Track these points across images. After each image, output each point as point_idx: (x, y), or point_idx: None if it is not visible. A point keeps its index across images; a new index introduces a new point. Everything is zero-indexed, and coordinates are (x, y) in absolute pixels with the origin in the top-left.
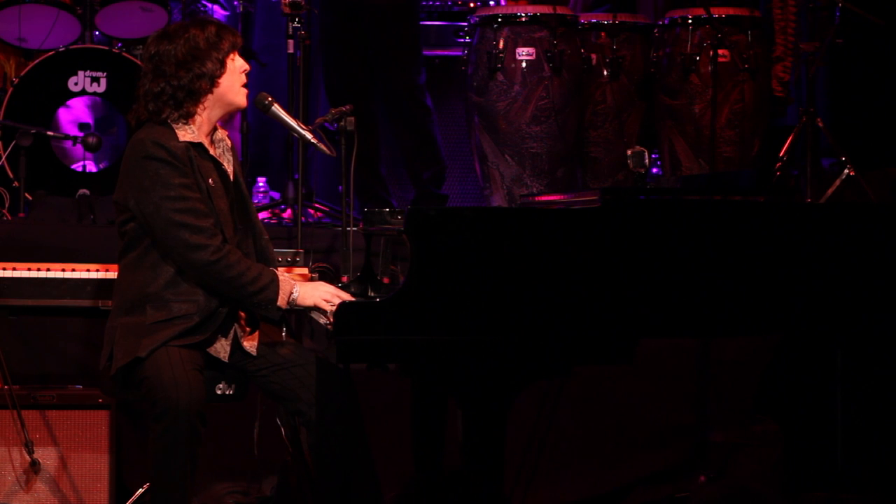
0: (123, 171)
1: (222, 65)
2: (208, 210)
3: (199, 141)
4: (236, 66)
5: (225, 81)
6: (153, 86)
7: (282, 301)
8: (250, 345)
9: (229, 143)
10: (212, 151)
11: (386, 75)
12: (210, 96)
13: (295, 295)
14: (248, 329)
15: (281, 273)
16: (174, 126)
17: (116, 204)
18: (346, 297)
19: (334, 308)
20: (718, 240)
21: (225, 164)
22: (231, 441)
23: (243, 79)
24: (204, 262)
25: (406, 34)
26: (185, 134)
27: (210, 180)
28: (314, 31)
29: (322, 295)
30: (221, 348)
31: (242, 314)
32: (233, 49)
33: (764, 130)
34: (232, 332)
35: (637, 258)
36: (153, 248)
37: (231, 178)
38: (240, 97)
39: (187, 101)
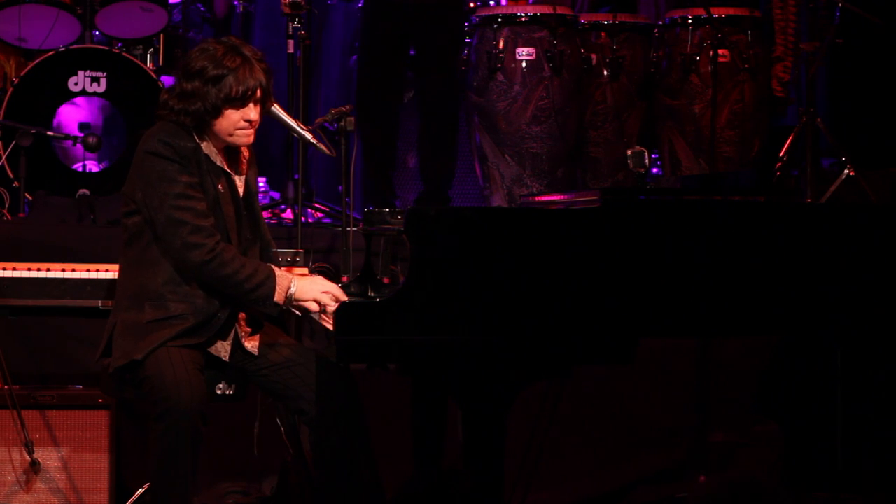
0: (133, 163)
1: (218, 111)
2: (209, 211)
3: (207, 153)
4: (235, 118)
5: (219, 124)
6: (172, 100)
7: (279, 297)
8: (252, 345)
9: (246, 155)
10: (220, 162)
11: (427, 75)
12: (210, 128)
13: (293, 290)
14: (248, 330)
15: (279, 269)
16: (192, 130)
17: (125, 195)
18: (343, 295)
19: (332, 306)
20: (718, 240)
21: (235, 177)
22: (231, 441)
23: (242, 125)
24: (199, 261)
25: (452, 35)
26: (198, 141)
27: (220, 186)
28: (314, 31)
29: (321, 288)
30: (222, 348)
31: (243, 315)
32: (235, 103)
33: (764, 130)
34: (232, 333)
35: (637, 258)
36: (154, 244)
37: (241, 192)
38: (234, 139)
39: (194, 122)
